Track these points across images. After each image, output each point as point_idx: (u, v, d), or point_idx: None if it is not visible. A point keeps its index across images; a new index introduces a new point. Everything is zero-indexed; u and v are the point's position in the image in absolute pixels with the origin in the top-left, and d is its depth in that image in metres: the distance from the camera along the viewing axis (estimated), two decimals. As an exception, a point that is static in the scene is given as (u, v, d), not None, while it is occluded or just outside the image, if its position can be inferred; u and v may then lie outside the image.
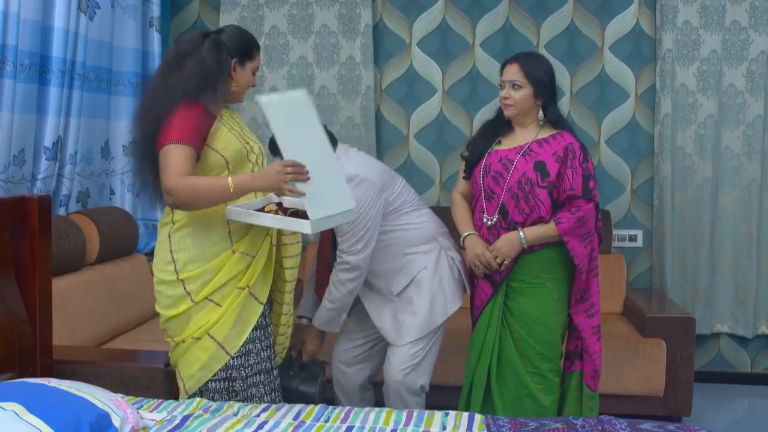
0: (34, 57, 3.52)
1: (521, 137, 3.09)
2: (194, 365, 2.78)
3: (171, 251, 2.76)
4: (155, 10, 4.54)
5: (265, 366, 2.84)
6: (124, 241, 4.10)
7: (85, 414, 2.17)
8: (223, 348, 2.74)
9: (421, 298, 3.18)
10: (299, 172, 2.53)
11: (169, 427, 2.36)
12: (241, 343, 2.76)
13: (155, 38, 4.54)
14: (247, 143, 2.79)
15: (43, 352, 2.89)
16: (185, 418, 2.44)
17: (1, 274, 2.76)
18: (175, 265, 2.75)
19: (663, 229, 4.67)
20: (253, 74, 2.83)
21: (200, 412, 2.52)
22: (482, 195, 3.09)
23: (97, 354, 3.38)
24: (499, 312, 3.08)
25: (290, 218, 2.60)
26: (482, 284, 3.12)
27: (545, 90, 3.06)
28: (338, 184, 2.67)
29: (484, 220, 3.08)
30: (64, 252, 3.50)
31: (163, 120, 2.62)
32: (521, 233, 2.98)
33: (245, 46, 2.77)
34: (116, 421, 2.23)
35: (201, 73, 2.66)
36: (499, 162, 3.05)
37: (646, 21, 4.73)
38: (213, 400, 2.75)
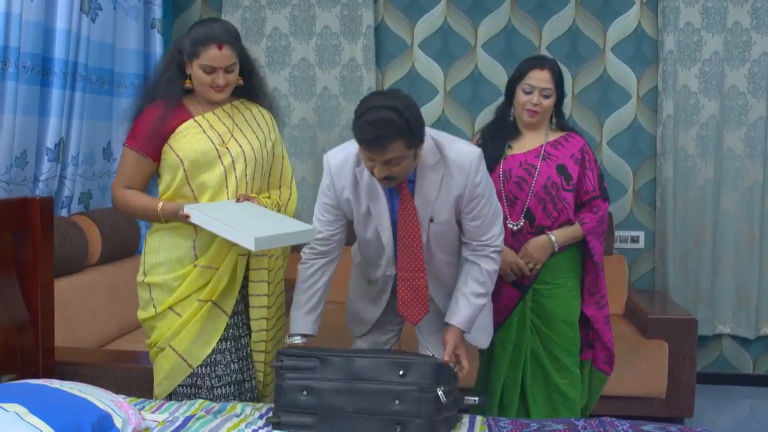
0: (36, 59, 3.52)
1: (531, 141, 3.08)
2: (161, 373, 2.80)
3: (144, 253, 2.82)
4: (157, 12, 4.54)
5: (235, 378, 2.79)
6: (126, 242, 4.10)
7: (87, 415, 2.17)
8: (185, 360, 2.75)
9: None
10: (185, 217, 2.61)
11: (171, 428, 2.36)
12: (206, 354, 2.74)
13: (157, 40, 4.54)
14: (223, 146, 2.71)
15: (45, 354, 2.89)
16: (187, 419, 2.44)
17: (3, 276, 2.77)
18: (144, 267, 2.81)
19: (665, 230, 4.66)
20: (206, 73, 2.63)
21: (202, 413, 2.52)
22: (504, 201, 3.04)
23: (99, 355, 3.39)
24: (529, 315, 3.08)
25: (238, 230, 2.46)
26: (507, 290, 3.08)
27: (563, 97, 3.10)
28: (278, 219, 2.62)
29: (509, 225, 3.03)
30: (66, 253, 3.50)
31: (133, 119, 2.76)
32: (553, 237, 3.00)
33: (189, 43, 2.63)
34: (118, 422, 2.23)
35: (156, 73, 2.81)
36: (520, 167, 3.03)
37: (647, 22, 4.73)
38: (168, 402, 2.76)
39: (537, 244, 3.00)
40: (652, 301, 4.46)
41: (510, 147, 3.09)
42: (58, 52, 3.64)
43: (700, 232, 4.70)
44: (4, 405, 2.08)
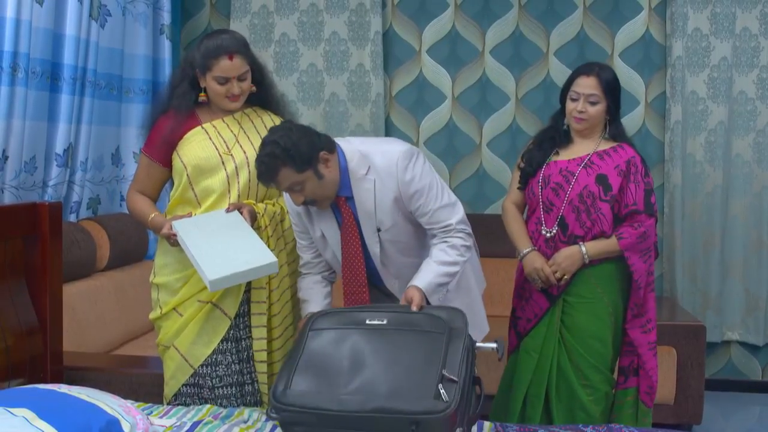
0: (45, 64, 3.54)
1: (581, 149, 3.03)
2: (168, 372, 2.86)
3: (156, 254, 2.90)
4: (166, 18, 4.56)
5: (236, 379, 2.82)
6: (134, 247, 4.11)
7: (95, 420, 2.18)
8: (186, 361, 2.80)
9: None
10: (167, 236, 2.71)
11: (179, 434, 2.37)
12: (206, 354, 2.78)
13: (166, 45, 4.55)
14: (227, 153, 2.77)
15: (53, 358, 2.90)
16: (195, 425, 2.45)
17: (12, 281, 2.78)
18: (154, 268, 2.89)
19: (673, 236, 4.65)
20: (220, 84, 2.70)
21: (210, 418, 2.53)
22: (540, 206, 3.01)
23: (107, 360, 3.40)
24: (557, 326, 3.02)
25: (202, 265, 2.57)
26: (537, 297, 3.04)
27: (617, 104, 3.02)
28: (248, 248, 2.64)
29: (543, 232, 3.00)
30: (75, 258, 3.51)
31: (149, 128, 2.86)
32: (583, 248, 2.92)
33: (200, 57, 2.71)
34: (126, 427, 2.24)
35: (170, 83, 2.89)
36: (560, 174, 2.99)
37: (656, 28, 4.73)
38: (185, 404, 2.79)
39: (566, 254, 2.93)
40: (660, 307, 4.42)
41: (557, 153, 3.05)
42: (68, 57, 3.66)
43: (709, 238, 4.68)
44: (12, 410, 2.08)
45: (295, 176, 2.48)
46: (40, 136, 3.58)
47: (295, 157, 2.46)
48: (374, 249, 2.67)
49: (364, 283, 2.71)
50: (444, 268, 2.61)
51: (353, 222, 2.65)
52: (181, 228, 2.66)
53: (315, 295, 2.75)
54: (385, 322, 2.38)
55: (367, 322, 2.38)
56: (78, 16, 3.67)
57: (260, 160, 2.48)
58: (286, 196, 2.71)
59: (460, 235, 2.65)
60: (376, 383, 2.21)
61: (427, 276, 2.58)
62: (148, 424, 2.37)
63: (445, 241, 2.64)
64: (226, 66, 2.68)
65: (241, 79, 2.72)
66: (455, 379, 2.21)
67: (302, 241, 2.79)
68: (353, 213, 2.64)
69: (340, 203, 2.63)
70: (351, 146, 2.64)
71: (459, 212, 2.67)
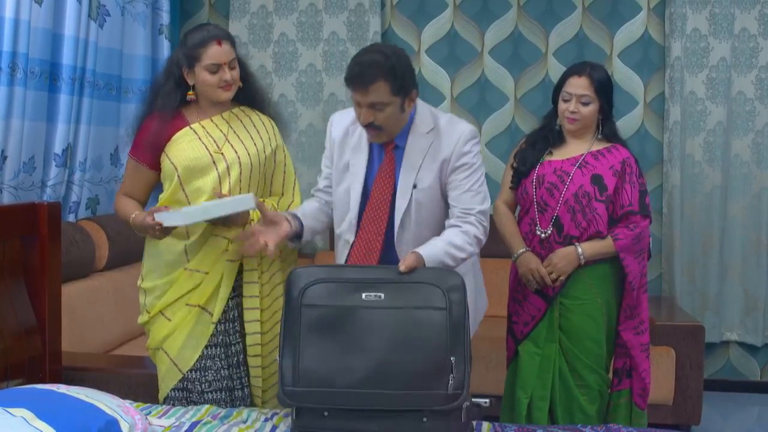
0: (44, 65, 3.54)
1: (574, 148, 3.03)
2: (159, 374, 2.86)
3: (143, 258, 2.90)
4: (165, 18, 4.56)
5: (226, 384, 2.81)
6: (133, 247, 4.08)
7: (94, 420, 2.18)
8: (176, 365, 2.79)
9: None
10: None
11: (178, 434, 2.37)
12: (194, 359, 2.78)
13: (164, 45, 4.55)
14: (218, 152, 2.76)
15: (52, 359, 2.90)
16: (193, 425, 2.45)
17: (11, 281, 2.77)
18: (142, 272, 2.88)
19: (672, 236, 4.65)
20: (212, 73, 2.69)
21: (208, 418, 2.53)
22: (534, 207, 3.01)
23: (105, 360, 3.40)
24: (556, 327, 3.01)
25: (179, 211, 2.63)
26: (533, 300, 3.03)
27: (610, 104, 3.02)
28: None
29: (537, 232, 2.99)
30: (74, 258, 3.51)
31: (135, 131, 2.84)
32: (579, 249, 2.91)
33: (187, 50, 2.71)
34: (125, 427, 2.24)
35: (154, 86, 2.89)
36: (554, 173, 2.98)
37: (654, 28, 4.73)
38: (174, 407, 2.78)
39: (562, 255, 2.92)
40: (659, 307, 4.44)
41: (551, 153, 3.05)
42: (66, 58, 3.66)
43: (708, 238, 4.69)
44: (11, 410, 2.08)
45: (386, 96, 2.48)
46: (39, 136, 3.58)
47: (398, 77, 2.48)
48: (401, 205, 2.66)
49: (381, 232, 2.67)
50: (451, 248, 2.57)
51: (392, 169, 2.67)
52: (165, 217, 2.64)
53: (311, 212, 2.82)
54: (382, 297, 2.35)
55: (364, 297, 2.35)
56: (77, 16, 3.67)
57: (363, 63, 2.46)
58: (343, 113, 2.80)
59: (476, 223, 2.64)
60: (383, 370, 2.26)
61: (431, 249, 2.54)
62: (146, 424, 2.36)
63: (460, 226, 2.62)
64: (217, 52, 2.68)
65: (231, 66, 2.73)
66: (463, 366, 2.28)
67: (326, 168, 2.86)
68: (395, 161, 2.67)
69: (388, 147, 2.67)
70: (423, 105, 2.70)
71: (485, 206, 2.68)
